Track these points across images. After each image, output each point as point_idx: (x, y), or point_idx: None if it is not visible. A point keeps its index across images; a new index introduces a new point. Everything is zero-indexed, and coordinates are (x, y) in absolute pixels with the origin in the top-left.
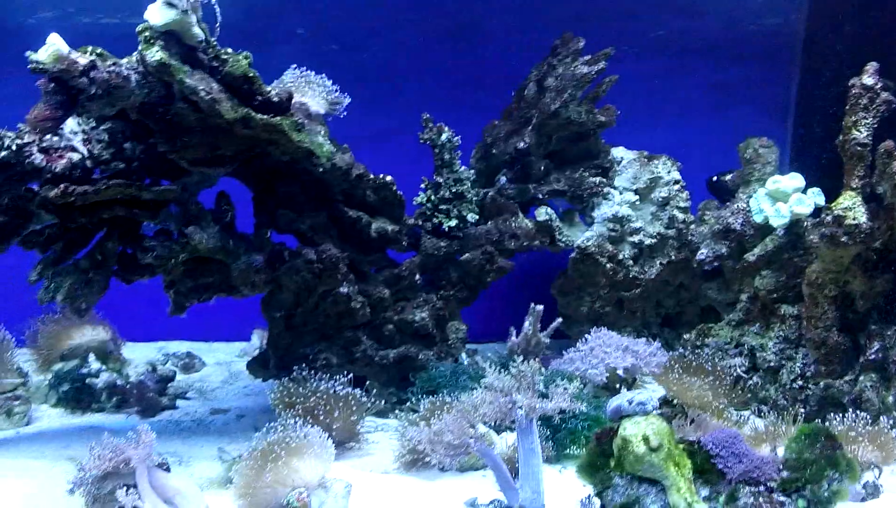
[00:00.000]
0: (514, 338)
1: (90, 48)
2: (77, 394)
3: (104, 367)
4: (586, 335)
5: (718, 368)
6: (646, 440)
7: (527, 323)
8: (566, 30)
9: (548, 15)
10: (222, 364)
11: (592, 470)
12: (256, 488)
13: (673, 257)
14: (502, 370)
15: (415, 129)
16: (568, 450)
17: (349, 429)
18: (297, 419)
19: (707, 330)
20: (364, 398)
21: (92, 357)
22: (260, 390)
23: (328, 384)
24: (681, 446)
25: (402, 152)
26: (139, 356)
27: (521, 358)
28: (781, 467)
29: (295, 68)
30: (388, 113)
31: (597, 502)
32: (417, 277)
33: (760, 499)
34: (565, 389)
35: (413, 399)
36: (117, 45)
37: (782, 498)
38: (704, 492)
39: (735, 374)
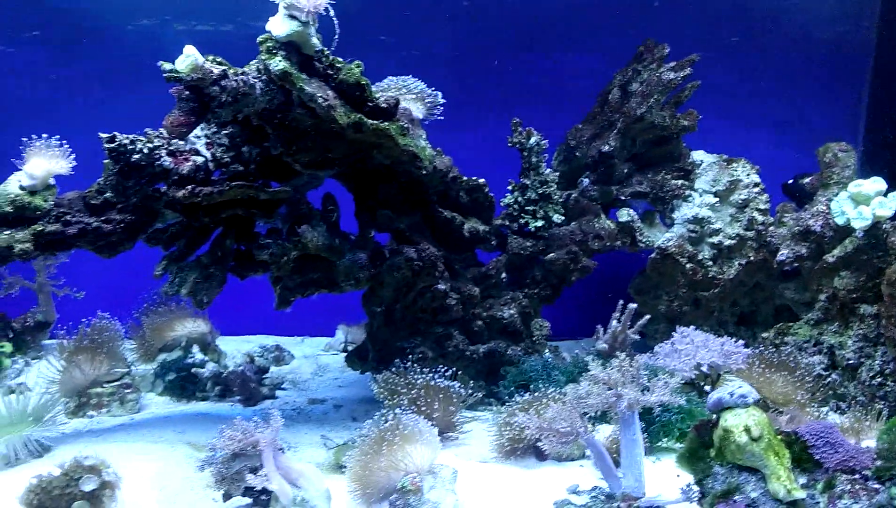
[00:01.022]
0: (601, 335)
1: (211, 57)
2: (182, 383)
3: (206, 358)
4: (673, 333)
5: (801, 365)
6: (747, 430)
7: (614, 321)
8: (638, 34)
9: (621, 20)
10: (309, 358)
11: (693, 459)
12: (372, 470)
13: (752, 258)
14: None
15: (488, 131)
16: (660, 442)
17: (447, 420)
18: (404, 408)
19: (786, 329)
20: (461, 390)
21: (195, 348)
22: (351, 382)
23: (429, 376)
24: (779, 436)
25: (478, 154)
26: (226, 349)
27: (623, 355)
28: (875, 456)
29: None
30: (462, 115)
31: (697, 489)
32: (503, 275)
33: (857, 486)
34: (666, 384)
35: (504, 392)
36: (212, 51)
37: (877, 486)
38: (802, 480)
39: (814, 371)
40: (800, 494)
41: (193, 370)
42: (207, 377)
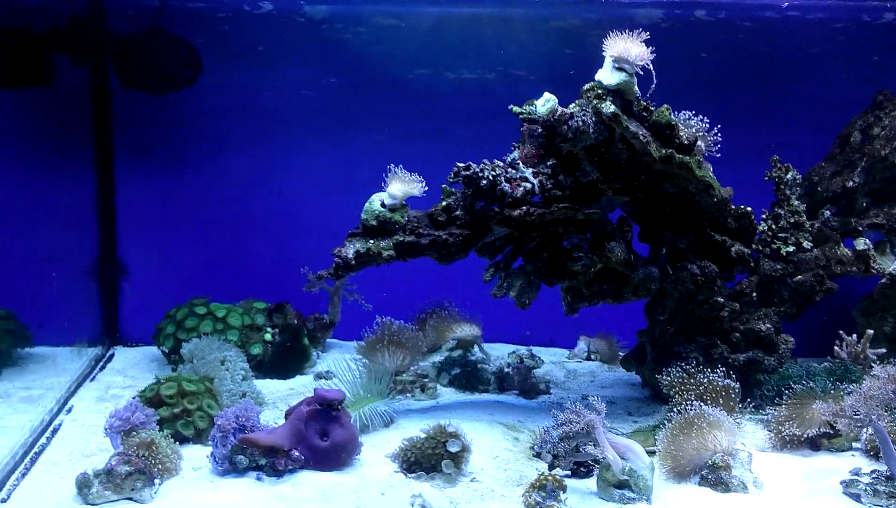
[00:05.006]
0: (843, 349)
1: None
2: (466, 376)
3: (485, 356)
4: None
5: None
6: None
7: (844, 336)
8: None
9: (847, 67)
10: (555, 363)
11: None
12: (684, 449)
13: None
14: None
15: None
16: None
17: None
18: (697, 401)
19: None
20: (739, 389)
21: (475, 348)
22: (610, 383)
23: (713, 376)
24: None
25: None
26: None
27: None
28: None
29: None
30: None
31: None
32: (754, 294)
33: None
34: None
35: (768, 395)
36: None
37: None
38: None
39: None
40: None
41: (479, 365)
42: (491, 373)
